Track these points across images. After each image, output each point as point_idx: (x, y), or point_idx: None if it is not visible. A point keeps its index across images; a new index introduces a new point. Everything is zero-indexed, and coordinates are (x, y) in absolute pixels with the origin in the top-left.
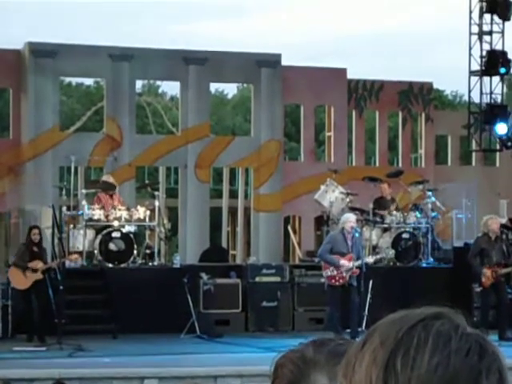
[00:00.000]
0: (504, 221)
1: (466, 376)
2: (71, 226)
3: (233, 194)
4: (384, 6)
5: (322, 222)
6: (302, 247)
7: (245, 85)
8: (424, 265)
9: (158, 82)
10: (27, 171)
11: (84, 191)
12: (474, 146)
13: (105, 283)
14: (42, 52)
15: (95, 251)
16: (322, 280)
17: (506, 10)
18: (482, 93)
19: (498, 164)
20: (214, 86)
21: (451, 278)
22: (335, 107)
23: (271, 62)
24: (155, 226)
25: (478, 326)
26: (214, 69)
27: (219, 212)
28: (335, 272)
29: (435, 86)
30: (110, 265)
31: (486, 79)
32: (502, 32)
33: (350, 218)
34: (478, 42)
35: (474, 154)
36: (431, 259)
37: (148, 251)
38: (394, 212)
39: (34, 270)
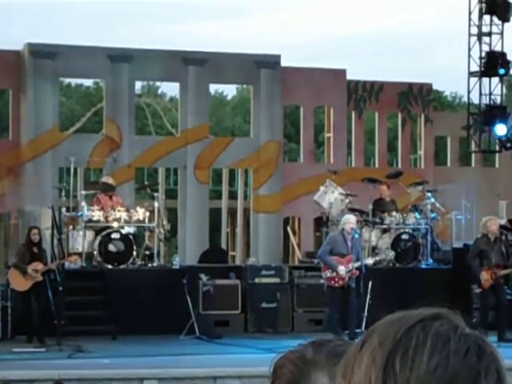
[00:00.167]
0: (503, 222)
1: (465, 377)
2: (70, 227)
3: (232, 195)
4: (383, 6)
5: (322, 223)
6: (302, 248)
7: (244, 86)
8: (423, 266)
9: (158, 83)
10: (27, 172)
11: (83, 192)
12: (473, 147)
13: (104, 284)
14: (42, 53)
15: (94, 252)
16: (322, 281)
17: (506, 11)
18: (481, 94)
19: (497, 165)
20: (213, 87)
21: (450, 279)
22: (335, 108)
23: (271, 62)
24: (155, 227)
25: (478, 327)
26: (213, 70)
27: (219, 213)
28: (334, 273)
29: (435, 87)
30: (110, 266)
31: (486, 80)
32: (502, 33)
33: (350, 219)
34: (477, 43)
35: (473, 155)
36: (431, 260)
37: (147, 252)
38: (394, 213)
39: (34, 272)
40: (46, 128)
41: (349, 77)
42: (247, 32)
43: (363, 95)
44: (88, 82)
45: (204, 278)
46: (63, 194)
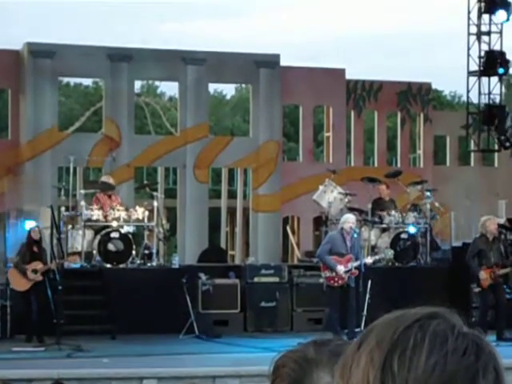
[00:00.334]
0: (502, 221)
1: (463, 376)
2: (70, 226)
3: (231, 195)
4: (383, 6)
5: (321, 222)
6: (301, 247)
7: (243, 85)
8: (422, 265)
9: (157, 83)
10: (26, 171)
11: (83, 192)
12: (472, 146)
13: (103, 283)
14: (41, 52)
15: (94, 251)
16: (321, 280)
17: (505, 10)
18: (480, 93)
19: (496, 164)
20: (212, 87)
21: (450, 278)
22: (334, 108)
23: (270, 62)
24: (154, 227)
25: (477, 326)
26: (212, 69)
27: (218, 212)
28: (334, 273)
29: (434, 86)
30: (109, 265)
31: (485, 79)
32: (501, 32)
33: (349, 219)
34: (476, 43)
35: (472, 155)
36: (430, 259)
37: (147, 251)
38: (393, 212)
39: (34, 272)
40: (45, 127)
41: (348, 76)
42: (246, 31)
43: (362, 94)
44: (87, 82)
45: (203, 277)
46: (62, 193)
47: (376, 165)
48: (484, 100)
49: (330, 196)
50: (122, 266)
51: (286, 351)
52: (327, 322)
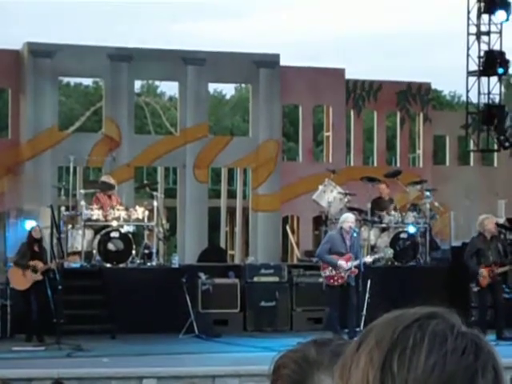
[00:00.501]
0: (502, 221)
1: (462, 376)
2: (70, 226)
3: (231, 194)
4: (382, 6)
5: (320, 221)
6: (301, 247)
7: (243, 85)
8: (422, 264)
9: (157, 83)
10: (26, 171)
11: (82, 191)
12: (471, 146)
13: (103, 283)
14: (41, 52)
15: (94, 251)
16: (321, 280)
17: (504, 10)
18: (479, 93)
19: (495, 164)
20: (212, 87)
21: (449, 278)
22: (333, 107)
23: (269, 62)
24: (154, 226)
25: (476, 325)
26: (212, 69)
27: (217, 212)
28: (334, 272)
29: (433, 86)
30: (109, 265)
31: (484, 79)
32: (500, 32)
33: (349, 218)
34: (476, 43)
35: (471, 154)
36: (429, 259)
37: (146, 251)
38: (392, 212)
39: (34, 271)
40: (45, 127)
41: (347, 76)
42: (246, 31)
43: (362, 94)
44: (87, 81)
45: (203, 276)
46: (62, 192)
47: (375, 164)
48: (483, 100)
49: (329, 196)
50: (121, 265)
51: (286, 351)
52: (327, 321)
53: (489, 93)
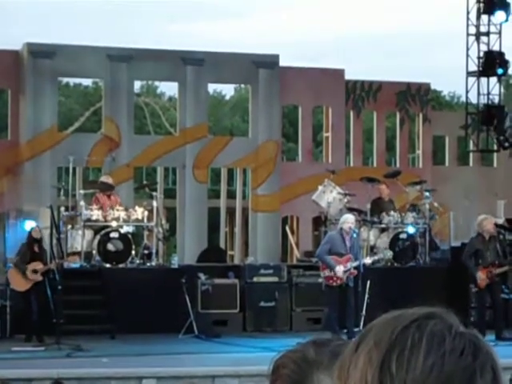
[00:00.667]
0: (501, 221)
1: (461, 376)
2: (69, 226)
3: (231, 195)
4: (382, 6)
5: (320, 222)
6: (300, 247)
7: (243, 85)
8: (421, 265)
9: (156, 83)
10: (25, 171)
11: (82, 192)
12: (471, 146)
13: (103, 283)
14: (41, 52)
15: (93, 251)
16: (320, 280)
17: (504, 11)
18: (479, 93)
19: (495, 164)
20: (211, 87)
21: (449, 279)
22: (333, 108)
23: (269, 62)
24: (153, 227)
25: (475, 326)
26: (212, 69)
27: (217, 212)
28: (333, 272)
29: (433, 86)
30: (108, 265)
31: (484, 80)
32: (500, 33)
33: (348, 219)
34: (475, 43)
35: (471, 155)
36: (428, 259)
37: (146, 251)
38: (392, 212)
39: (34, 272)
40: (44, 127)
41: (347, 76)
42: (246, 31)
43: (361, 95)
44: (87, 82)
45: (202, 277)
46: (62, 193)
47: (375, 165)
48: (483, 100)
49: (329, 196)
50: (121, 265)
51: (285, 351)
52: (326, 321)
53: (488, 93)
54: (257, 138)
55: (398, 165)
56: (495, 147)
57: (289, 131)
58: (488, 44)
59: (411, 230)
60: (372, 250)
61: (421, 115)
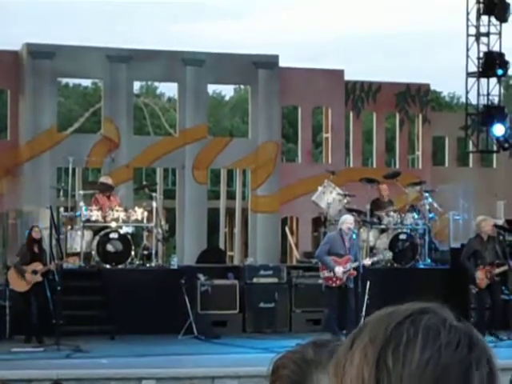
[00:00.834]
0: (500, 222)
1: (457, 369)
2: (69, 227)
3: (230, 196)
4: (382, 7)
5: (320, 223)
6: (300, 248)
7: (242, 86)
8: (421, 266)
9: (156, 84)
10: (25, 172)
11: (82, 192)
12: (471, 147)
13: (102, 284)
14: (40, 53)
15: (93, 252)
16: (320, 281)
17: (503, 11)
18: (479, 94)
19: (495, 165)
20: (211, 88)
21: (448, 279)
22: (333, 109)
23: (269, 63)
24: (153, 227)
25: (475, 326)
26: (211, 70)
27: (217, 213)
28: (332, 273)
29: (432, 87)
30: (108, 266)
31: (484, 81)
32: (500, 33)
33: (348, 220)
34: (475, 44)
35: (471, 156)
36: (428, 260)
37: (145, 252)
38: (391, 213)
39: (34, 272)
40: (44, 128)
41: (347, 77)
42: (246, 32)
43: (361, 95)
44: (86, 82)
45: (202, 278)
46: (61, 194)
47: (375, 166)
48: (483, 101)
49: (328, 197)
50: (120, 266)
51: (285, 352)
52: (326, 322)
53: (488, 94)
54: (256, 138)
55: (397, 166)
56: (495, 148)
57: (288, 132)
58: (488, 45)
59: (411, 230)
60: (371, 250)
61: (420, 116)
